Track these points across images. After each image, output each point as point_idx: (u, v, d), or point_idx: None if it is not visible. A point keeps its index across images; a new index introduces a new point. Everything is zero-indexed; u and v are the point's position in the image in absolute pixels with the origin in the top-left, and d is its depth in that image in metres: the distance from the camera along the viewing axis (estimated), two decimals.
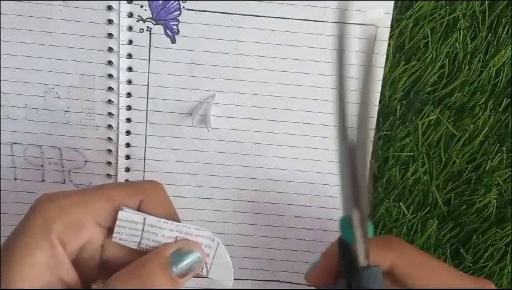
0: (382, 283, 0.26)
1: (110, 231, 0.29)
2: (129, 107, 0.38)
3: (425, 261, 0.30)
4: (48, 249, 0.26)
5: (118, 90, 0.38)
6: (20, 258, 0.25)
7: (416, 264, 0.29)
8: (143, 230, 0.28)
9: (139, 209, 0.29)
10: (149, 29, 0.37)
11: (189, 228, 0.29)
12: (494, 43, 0.40)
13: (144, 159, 0.39)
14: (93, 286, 0.27)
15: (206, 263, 0.29)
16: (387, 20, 0.37)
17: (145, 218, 0.28)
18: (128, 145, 0.39)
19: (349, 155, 0.24)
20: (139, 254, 0.28)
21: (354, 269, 0.26)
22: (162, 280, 0.27)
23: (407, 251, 0.30)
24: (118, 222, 0.28)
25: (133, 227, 0.28)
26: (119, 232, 0.28)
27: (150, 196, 0.29)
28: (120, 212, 0.28)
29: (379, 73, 0.38)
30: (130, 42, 0.37)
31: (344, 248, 0.27)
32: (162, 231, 0.29)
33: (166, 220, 0.29)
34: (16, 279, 0.25)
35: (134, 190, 0.29)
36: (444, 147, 0.40)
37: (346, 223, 0.26)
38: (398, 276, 0.29)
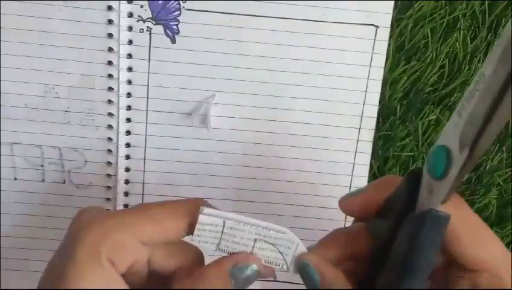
0: (442, 235, 0.23)
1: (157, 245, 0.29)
2: (129, 107, 0.38)
3: (485, 231, 0.25)
4: (99, 271, 0.26)
5: (118, 90, 0.38)
6: (75, 284, 0.25)
7: (474, 231, 0.25)
8: (222, 232, 0.29)
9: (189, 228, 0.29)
10: (149, 29, 0.37)
11: (269, 231, 0.29)
12: (494, 43, 0.40)
13: (144, 159, 0.39)
14: None
15: (285, 261, 0.30)
16: (387, 20, 0.37)
17: (224, 221, 0.29)
18: (128, 145, 0.39)
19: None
20: (186, 263, 0.29)
21: (417, 211, 0.23)
22: None
23: (468, 213, 0.26)
24: (198, 226, 0.28)
25: (213, 229, 0.29)
26: (199, 235, 0.28)
27: (195, 216, 0.29)
28: (200, 216, 0.28)
29: (379, 73, 0.38)
30: (130, 42, 0.37)
31: (414, 183, 0.24)
32: (241, 233, 0.29)
33: (246, 222, 0.29)
34: None
35: (181, 210, 0.29)
36: None
37: (442, 153, 0.22)
38: (448, 238, 0.25)
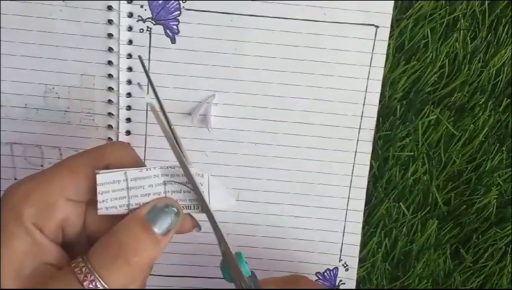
0: None
1: (88, 205, 0.27)
2: (129, 107, 0.38)
3: None
4: (24, 235, 0.25)
5: (118, 90, 0.38)
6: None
7: None
8: (128, 188, 0.26)
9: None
10: (149, 29, 0.37)
11: (174, 168, 0.26)
12: (494, 43, 0.40)
13: (144, 159, 0.39)
14: (73, 264, 0.25)
15: (203, 200, 0.27)
16: (387, 20, 0.37)
17: (125, 173, 0.26)
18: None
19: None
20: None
21: None
22: (144, 242, 0.25)
23: None
24: (98, 188, 0.25)
25: (117, 188, 0.25)
26: (103, 201, 0.25)
27: (115, 157, 0.27)
28: (97, 176, 0.25)
29: (379, 73, 0.38)
30: (130, 42, 0.37)
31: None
32: (149, 181, 0.26)
33: (148, 167, 0.26)
34: None
35: (96, 154, 0.27)
36: (444, 147, 0.40)
37: (222, 266, 0.27)
38: None
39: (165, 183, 0.26)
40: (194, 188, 0.27)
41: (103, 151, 0.27)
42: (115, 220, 0.26)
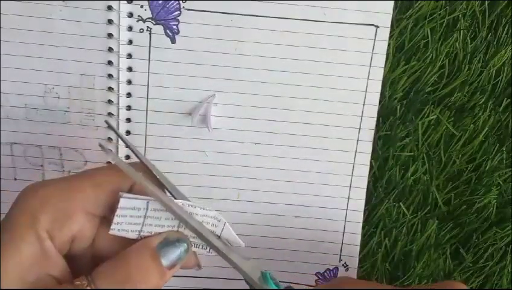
0: None
1: (101, 220, 0.27)
2: (129, 107, 0.38)
3: None
4: (34, 242, 0.24)
5: (118, 90, 0.38)
6: (5, 253, 0.24)
7: None
8: (145, 216, 0.26)
9: (130, 192, 0.26)
10: (149, 29, 0.37)
11: (195, 207, 0.27)
12: (494, 43, 0.40)
13: None
14: (76, 282, 0.24)
15: (213, 239, 0.27)
16: (387, 20, 0.37)
17: (148, 202, 0.26)
18: (128, 145, 0.38)
19: None
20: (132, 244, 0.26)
21: None
22: (152, 272, 0.25)
23: None
24: (118, 211, 0.25)
25: (135, 214, 0.25)
26: (118, 223, 0.25)
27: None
28: (121, 200, 0.25)
29: (379, 73, 0.38)
30: (130, 42, 0.37)
31: None
32: (166, 214, 0.26)
33: (170, 199, 0.26)
34: (1, 274, 0.24)
35: (122, 172, 0.26)
36: (444, 147, 0.40)
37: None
38: None
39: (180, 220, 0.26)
40: (206, 234, 0.27)
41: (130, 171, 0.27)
42: (125, 242, 0.26)
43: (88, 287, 0.24)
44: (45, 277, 0.25)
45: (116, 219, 0.25)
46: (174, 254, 0.26)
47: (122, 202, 0.25)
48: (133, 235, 0.26)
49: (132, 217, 0.26)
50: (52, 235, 0.25)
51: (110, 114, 0.38)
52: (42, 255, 0.25)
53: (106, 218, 0.27)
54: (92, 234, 0.27)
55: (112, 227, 0.26)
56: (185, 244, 0.27)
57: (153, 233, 0.26)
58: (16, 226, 0.25)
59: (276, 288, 0.28)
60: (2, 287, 0.24)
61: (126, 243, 0.26)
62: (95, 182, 0.26)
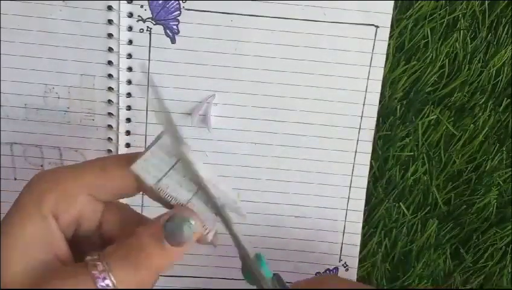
0: None
1: (107, 206, 0.27)
2: (129, 107, 0.38)
3: None
4: (39, 221, 0.25)
5: (118, 90, 0.38)
6: (11, 231, 0.25)
7: None
8: (172, 167, 0.25)
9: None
10: (149, 29, 0.37)
11: (219, 183, 0.26)
12: (494, 43, 0.40)
13: None
14: (88, 257, 0.25)
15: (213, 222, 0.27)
16: (387, 20, 0.37)
17: (179, 160, 0.25)
18: (128, 145, 0.39)
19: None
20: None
21: None
22: (155, 251, 0.25)
23: None
24: (154, 148, 0.25)
25: (163, 160, 0.25)
26: (145, 160, 0.25)
27: None
28: (164, 136, 0.24)
29: (379, 73, 0.38)
30: (130, 42, 0.37)
31: None
32: (184, 186, 0.25)
33: (196, 174, 0.25)
34: (7, 252, 0.24)
35: (129, 158, 0.26)
36: (444, 147, 0.40)
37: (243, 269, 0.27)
38: None
39: (198, 189, 0.26)
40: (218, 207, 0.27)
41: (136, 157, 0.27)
42: (132, 228, 0.26)
43: (98, 262, 0.24)
44: (50, 257, 0.25)
45: (145, 155, 0.25)
46: (179, 233, 0.26)
47: (164, 139, 0.25)
48: (151, 181, 0.25)
49: (160, 163, 0.25)
50: (56, 215, 0.26)
51: (110, 114, 0.38)
52: (46, 234, 0.25)
53: (112, 203, 0.27)
54: (97, 218, 0.27)
55: (137, 161, 0.25)
56: (192, 222, 0.26)
57: (168, 189, 0.26)
58: (22, 206, 0.25)
59: (267, 271, 0.28)
60: (6, 264, 0.24)
61: (132, 224, 0.27)
62: (102, 167, 0.26)
